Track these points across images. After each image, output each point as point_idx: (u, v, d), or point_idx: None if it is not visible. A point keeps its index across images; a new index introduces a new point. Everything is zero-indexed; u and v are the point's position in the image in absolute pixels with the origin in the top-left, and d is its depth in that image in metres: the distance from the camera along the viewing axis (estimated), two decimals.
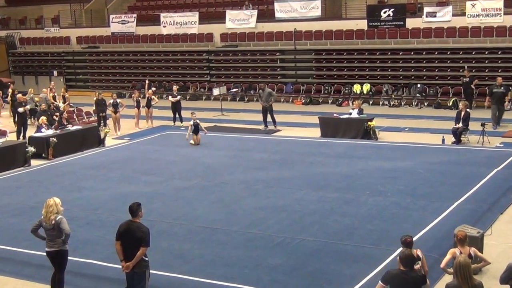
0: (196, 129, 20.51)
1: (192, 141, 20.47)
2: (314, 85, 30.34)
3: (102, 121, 23.88)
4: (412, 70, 28.14)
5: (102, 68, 36.56)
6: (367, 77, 29.10)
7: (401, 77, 28.42)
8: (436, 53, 27.63)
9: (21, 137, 21.81)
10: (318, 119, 22.04)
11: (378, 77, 28.90)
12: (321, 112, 24.93)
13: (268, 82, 31.44)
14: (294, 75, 31.26)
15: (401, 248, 8.30)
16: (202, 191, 15.17)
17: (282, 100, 30.52)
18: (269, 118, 23.29)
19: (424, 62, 27.86)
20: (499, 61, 26.38)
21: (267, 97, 23.34)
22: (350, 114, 21.56)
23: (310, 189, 14.97)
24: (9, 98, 25.14)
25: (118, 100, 24.13)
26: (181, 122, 24.69)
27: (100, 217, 13.52)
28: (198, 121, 20.69)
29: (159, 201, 14.49)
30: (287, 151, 19.25)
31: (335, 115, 22.12)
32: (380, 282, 7.67)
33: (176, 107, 24.79)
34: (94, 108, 25.18)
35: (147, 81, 25.53)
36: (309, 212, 13.26)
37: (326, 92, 29.72)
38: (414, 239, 8.79)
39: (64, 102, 26.34)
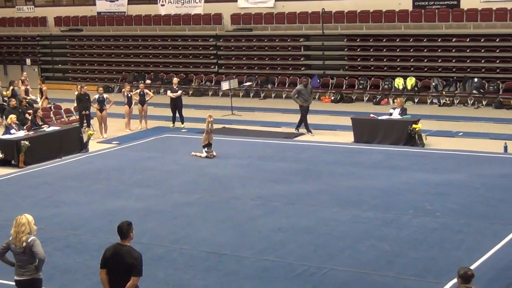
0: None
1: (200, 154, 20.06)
2: (346, 78, 30.33)
3: (85, 121, 23.99)
4: (468, 61, 28.05)
5: (86, 55, 36.78)
6: (412, 69, 29.03)
7: (453, 70, 28.34)
8: (497, 40, 27.51)
9: None
10: (351, 120, 22.02)
11: (426, 69, 28.83)
12: (355, 112, 24.88)
13: (289, 75, 31.49)
14: (322, 66, 31.26)
15: (453, 282, 8.26)
16: (207, 208, 15.19)
17: None
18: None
19: (483, 51, 27.74)
20: None
21: (310, 95, 23.44)
22: (391, 114, 21.52)
23: (340, 206, 14.94)
24: None
25: (105, 95, 24.25)
26: (182, 123, 24.76)
27: (81, 238, 13.57)
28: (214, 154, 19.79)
29: (154, 219, 14.52)
30: (312, 160, 19.24)
31: (372, 115, 22.09)
32: None
33: (176, 105, 24.86)
34: (75, 104, 25.29)
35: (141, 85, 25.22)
36: (338, 235, 13.23)
37: (361, 87, 29.69)
38: None
39: (41, 97, 26.48)
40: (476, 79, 27.50)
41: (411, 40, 29.04)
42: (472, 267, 10.98)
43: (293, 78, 31.11)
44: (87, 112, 23.91)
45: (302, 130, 23.21)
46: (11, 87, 26.04)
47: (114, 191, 16.78)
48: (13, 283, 9.69)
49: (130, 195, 16.39)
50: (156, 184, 17.30)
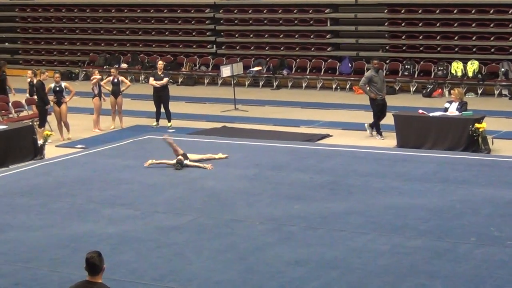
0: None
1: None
2: (387, 62, 30.32)
3: (42, 118, 23.90)
4: None
5: (42, 31, 36.84)
6: (475, 49, 29.02)
7: None
8: None
9: None
10: (393, 117, 22.03)
11: (493, 49, 28.80)
12: (398, 107, 24.86)
13: (311, 57, 31.50)
14: (354, 46, 31.27)
15: None
16: (202, 234, 15.20)
17: (334, 86, 30.52)
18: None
19: None
20: None
21: (383, 84, 23.08)
22: (446, 110, 21.54)
23: (378, 232, 14.95)
24: None
25: (63, 84, 24.20)
26: (169, 121, 24.79)
27: (35, 273, 13.58)
28: (187, 160, 19.86)
29: (131, 249, 14.53)
30: (341, 170, 19.26)
31: (421, 111, 22.08)
32: None
33: (161, 96, 24.86)
34: (27, 95, 25.32)
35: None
36: (375, 271, 13.23)
37: (406, 73, 29.68)
38: None
39: None
40: None
41: (473, 11, 29.01)
42: None
43: (316, 62, 31.15)
44: (48, 106, 23.75)
45: (328, 129, 23.19)
46: None
47: (79, 211, 16.79)
48: None
49: (100, 216, 16.41)
50: (134, 202, 17.33)
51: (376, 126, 22.77)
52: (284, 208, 16.51)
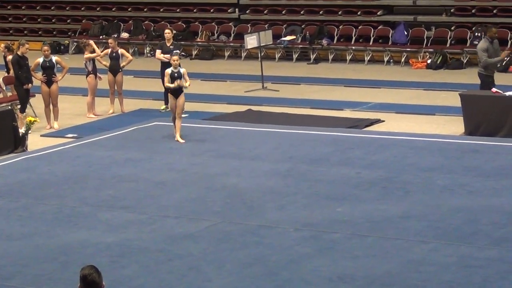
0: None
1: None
2: (452, 28, 30.23)
3: (22, 101, 24.01)
4: None
5: None
6: None
7: None
8: None
9: None
10: (460, 98, 21.99)
11: None
12: (466, 85, 24.80)
13: (357, 23, 31.43)
14: (411, 8, 31.20)
15: None
16: (223, 244, 15.25)
17: (386, 59, 30.48)
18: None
19: None
20: None
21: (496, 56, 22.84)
22: None
23: (442, 240, 14.93)
24: None
25: (54, 58, 24.26)
26: None
27: None
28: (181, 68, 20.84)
29: (136, 262, 14.59)
30: (395, 164, 19.27)
31: (494, 90, 22.04)
32: None
33: None
34: (5, 73, 25.40)
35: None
36: None
37: (476, 42, 29.55)
38: None
39: None
40: None
41: None
42: None
43: (364, 29, 31.09)
44: (29, 85, 23.85)
45: (379, 113, 23.20)
46: None
47: (70, 216, 16.88)
48: None
49: (96, 222, 16.49)
50: (139, 204, 17.41)
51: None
52: (324, 212, 16.55)
